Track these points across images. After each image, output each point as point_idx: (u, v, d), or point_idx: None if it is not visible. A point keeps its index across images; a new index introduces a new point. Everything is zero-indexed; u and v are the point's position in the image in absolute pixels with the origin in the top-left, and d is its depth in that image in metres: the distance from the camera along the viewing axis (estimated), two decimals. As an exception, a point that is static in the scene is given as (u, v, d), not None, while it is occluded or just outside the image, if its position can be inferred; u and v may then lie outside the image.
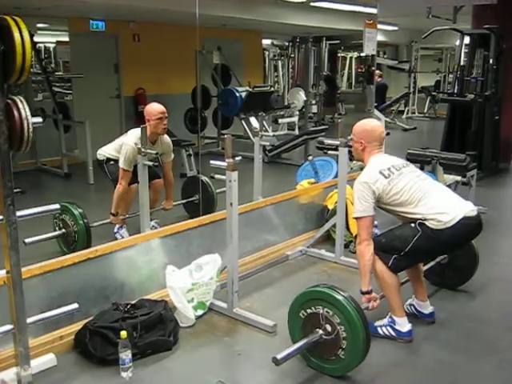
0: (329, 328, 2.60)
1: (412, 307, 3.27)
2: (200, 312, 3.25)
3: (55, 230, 4.25)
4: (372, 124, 3.15)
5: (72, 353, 2.87)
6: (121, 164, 4.27)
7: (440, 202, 2.90)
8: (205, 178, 5.05)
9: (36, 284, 2.84)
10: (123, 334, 2.63)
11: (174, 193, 4.83)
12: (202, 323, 3.20)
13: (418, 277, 3.25)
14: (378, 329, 3.03)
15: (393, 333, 3.00)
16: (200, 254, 3.44)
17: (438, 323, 3.22)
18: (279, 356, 2.51)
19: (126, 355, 2.63)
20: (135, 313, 2.90)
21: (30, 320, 2.35)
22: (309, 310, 2.68)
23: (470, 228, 2.94)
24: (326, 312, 2.61)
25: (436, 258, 3.45)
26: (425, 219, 2.86)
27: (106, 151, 4.59)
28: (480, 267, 3.56)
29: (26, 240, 3.72)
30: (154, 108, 4.34)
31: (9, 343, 2.47)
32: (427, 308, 3.24)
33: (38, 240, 3.94)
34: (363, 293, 2.91)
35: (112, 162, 4.52)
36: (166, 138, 4.55)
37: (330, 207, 4.61)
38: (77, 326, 2.91)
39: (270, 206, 4.44)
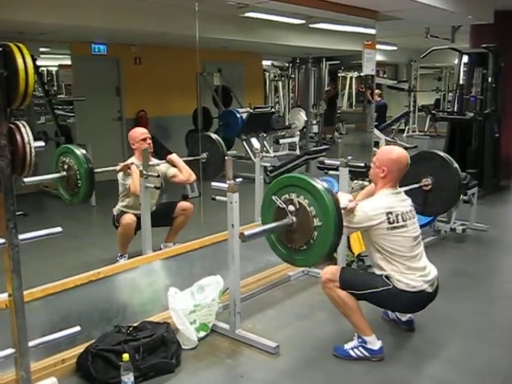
0: (298, 210, 2.69)
1: (394, 314, 3.35)
2: (202, 334, 3.24)
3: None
4: (399, 154, 3.12)
5: (74, 376, 2.85)
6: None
7: (416, 268, 2.94)
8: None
9: (38, 307, 2.85)
10: (125, 356, 2.62)
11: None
12: (204, 345, 3.19)
13: None
14: (350, 351, 2.99)
15: (366, 353, 2.96)
16: (202, 275, 3.43)
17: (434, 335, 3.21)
18: (246, 233, 2.64)
19: (128, 378, 2.62)
20: (137, 335, 2.89)
21: (31, 343, 2.34)
22: (283, 198, 2.75)
23: (426, 300, 2.99)
24: (298, 197, 2.69)
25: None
26: (392, 275, 2.90)
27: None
28: (481, 285, 3.56)
29: (25, 179, 3.49)
30: (135, 131, 4.45)
31: (10, 367, 2.46)
32: (405, 315, 3.29)
33: (37, 180, 3.83)
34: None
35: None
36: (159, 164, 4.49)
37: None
38: (79, 349, 2.89)
39: (272, 226, 4.43)
